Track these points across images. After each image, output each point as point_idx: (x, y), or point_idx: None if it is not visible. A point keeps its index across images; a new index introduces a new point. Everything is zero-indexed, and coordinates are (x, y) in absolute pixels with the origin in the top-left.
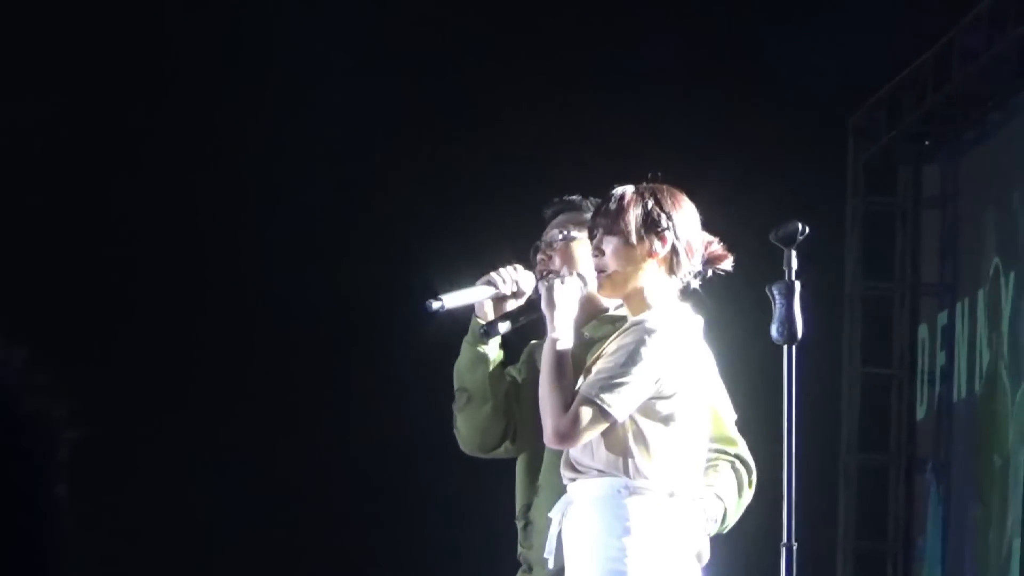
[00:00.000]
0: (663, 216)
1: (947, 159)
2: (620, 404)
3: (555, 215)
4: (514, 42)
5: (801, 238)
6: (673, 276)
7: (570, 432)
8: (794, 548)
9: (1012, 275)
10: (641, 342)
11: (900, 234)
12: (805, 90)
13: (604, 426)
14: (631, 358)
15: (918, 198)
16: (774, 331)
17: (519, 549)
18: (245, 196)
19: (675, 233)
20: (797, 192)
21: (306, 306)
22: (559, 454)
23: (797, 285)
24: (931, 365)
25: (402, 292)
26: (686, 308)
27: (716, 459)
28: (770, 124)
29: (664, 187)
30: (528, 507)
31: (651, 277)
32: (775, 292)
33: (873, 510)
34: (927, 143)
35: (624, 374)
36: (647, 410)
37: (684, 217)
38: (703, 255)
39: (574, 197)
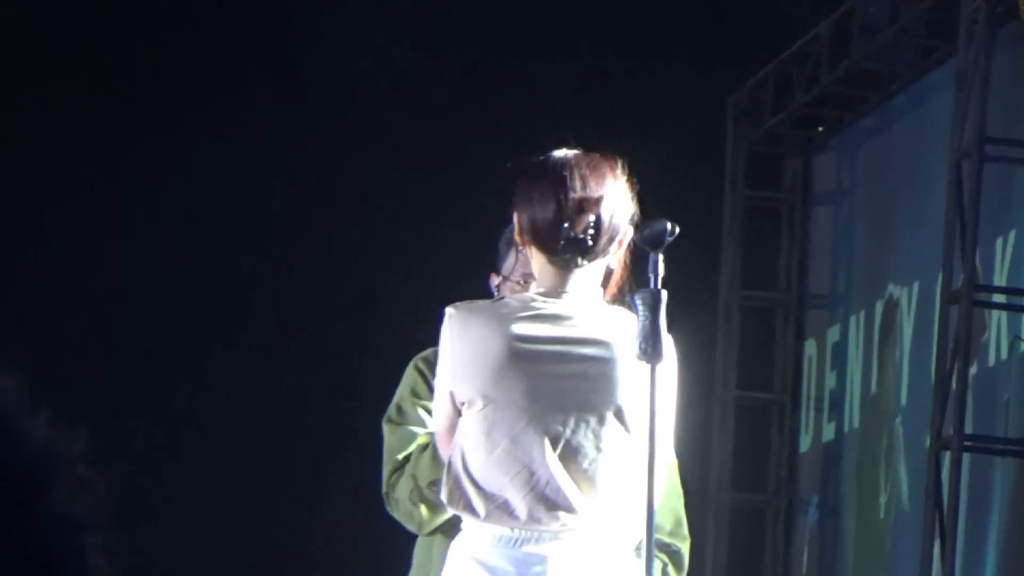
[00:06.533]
0: (514, 200)
1: (842, 149)
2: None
3: None
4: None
5: (670, 240)
6: (549, 256)
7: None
8: None
9: (916, 285)
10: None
11: (786, 235)
12: (678, 63)
13: (437, 436)
14: None
15: (808, 193)
16: (637, 347)
17: None
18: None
19: (518, 212)
20: (666, 185)
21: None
22: None
23: (664, 294)
24: (818, 389)
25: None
26: (547, 298)
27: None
28: (637, 103)
29: (525, 164)
30: None
31: (537, 268)
32: (638, 302)
33: (747, 558)
34: (820, 129)
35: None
36: (462, 426)
37: (522, 189)
38: (567, 216)
39: None
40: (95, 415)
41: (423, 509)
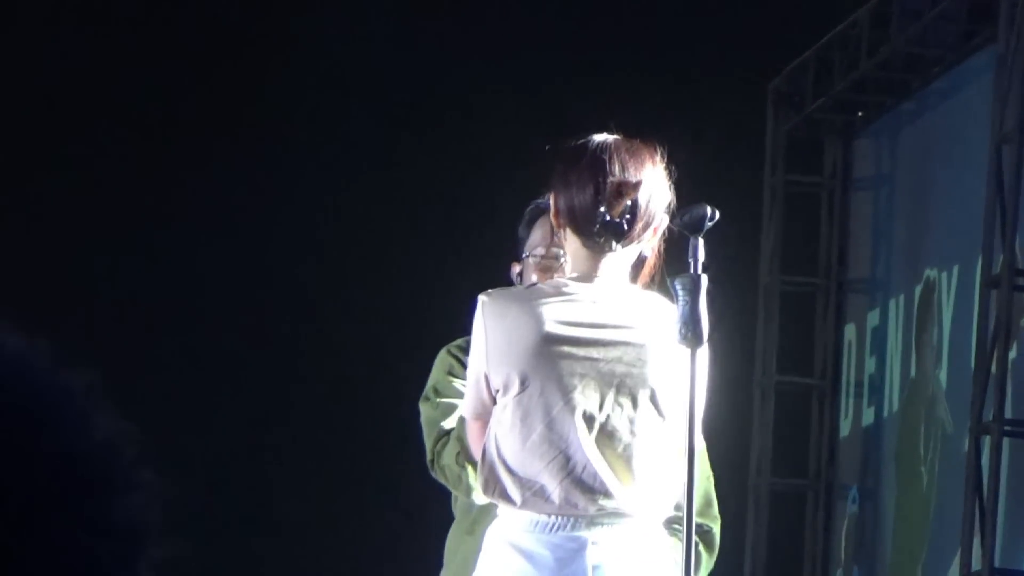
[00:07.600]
0: (552, 183)
1: (882, 133)
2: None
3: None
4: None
5: (710, 224)
6: (584, 240)
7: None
8: None
9: (956, 269)
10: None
11: (825, 220)
12: (719, 48)
13: (467, 424)
14: None
15: (848, 178)
16: (677, 332)
17: None
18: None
19: (555, 195)
20: (706, 169)
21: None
22: None
23: (704, 279)
24: (858, 374)
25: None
26: (580, 283)
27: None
28: (676, 88)
29: (564, 147)
30: None
31: (571, 252)
32: (678, 287)
33: (786, 542)
34: (859, 114)
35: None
36: (496, 414)
37: (561, 173)
38: (604, 200)
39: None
40: (148, 417)
41: (471, 471)
